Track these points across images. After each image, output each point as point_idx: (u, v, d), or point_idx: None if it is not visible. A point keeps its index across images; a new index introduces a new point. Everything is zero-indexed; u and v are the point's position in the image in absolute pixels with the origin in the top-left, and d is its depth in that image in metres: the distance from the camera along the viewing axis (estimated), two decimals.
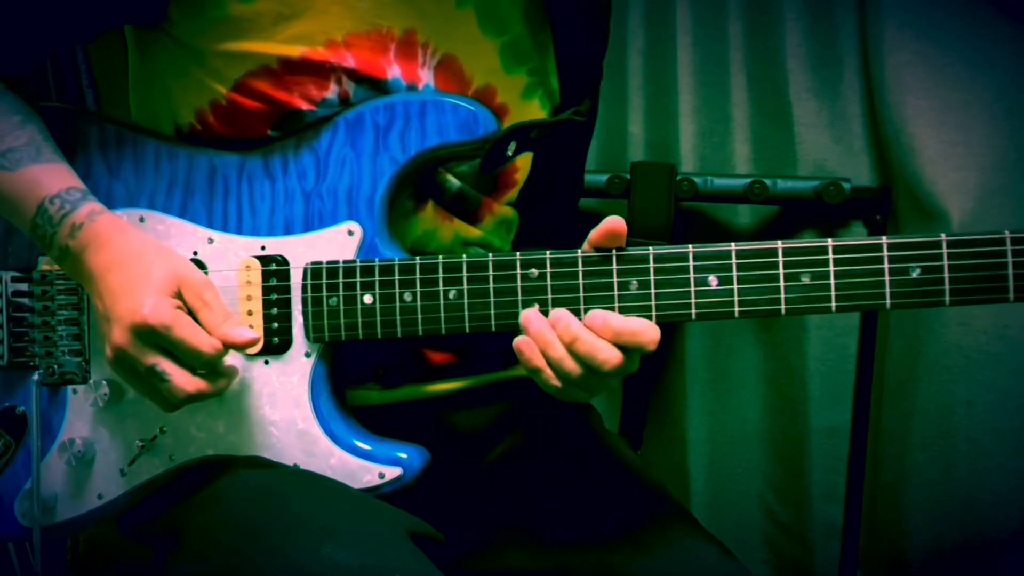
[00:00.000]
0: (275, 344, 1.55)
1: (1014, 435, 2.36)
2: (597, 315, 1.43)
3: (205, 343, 1.46)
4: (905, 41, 2.36)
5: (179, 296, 1.49)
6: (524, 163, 1.74)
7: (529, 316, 1.45)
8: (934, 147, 2.34)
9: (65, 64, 1.88)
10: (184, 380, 1.47)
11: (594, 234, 1.45)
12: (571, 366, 1.42)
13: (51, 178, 1.55)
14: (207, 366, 1.49)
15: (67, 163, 1.59)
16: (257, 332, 1.54)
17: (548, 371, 1.44)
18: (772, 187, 2.45)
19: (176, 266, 1.51)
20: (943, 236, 1.38)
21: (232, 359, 1.54)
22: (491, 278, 1.49)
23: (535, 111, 1.72)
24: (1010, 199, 2.30)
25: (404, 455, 1.54)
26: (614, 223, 1.44)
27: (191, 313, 1.49)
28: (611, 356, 1.41)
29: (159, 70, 1.64)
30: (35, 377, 1.60)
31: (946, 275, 1.38)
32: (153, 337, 1.45)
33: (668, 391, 2.66)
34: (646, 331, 1.42)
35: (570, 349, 1.42)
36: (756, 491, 2.64)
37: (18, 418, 1.64)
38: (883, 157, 2.46)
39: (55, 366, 1.61)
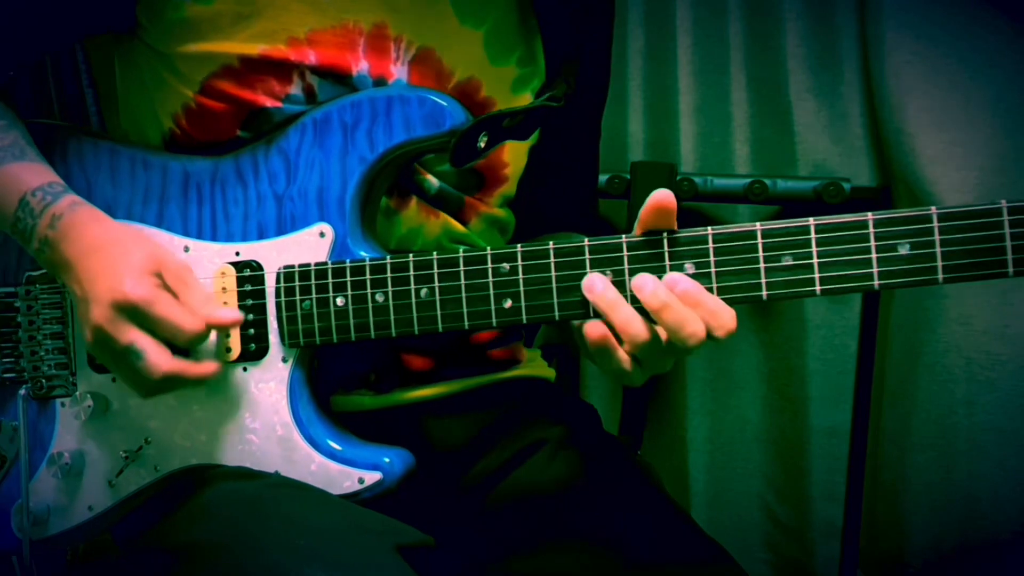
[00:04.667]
0: (252, 351, 1.53)
1: (1014, 435, 2.36)
2: (685, 281, 1.36)
3: (186, 320, 1.44)
4: (905, 41, 2.36)
5: (160, 276, 1.47)
6: (513, 157, 1.73)
7: (593, 277, 1.39)
8: (934, 147, 2.34)
9: (65, 64, 1.88)
10: (161, 358, 1.44)
11: (644, 212, 1.39)
12: (638, 329, 1.36)
13: (33, 174, 1.56)
14: (188, 345, 1.47)
15: (49, 165, 1.60)
16: (233, 338, 1.54)
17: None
18: (772, 187, 2.44)
19: (155, 249, 1.49)
20: (933, 209, 1.30)
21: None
22: (462, 274, 1.46)
23: (524, 103, 1.70)
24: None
25: (386, 459, 1.51)
26: (662, 197, 1.37)
27: (173, 293, 1.48)
28: (698, 329, 1.34)
29: (140, 78, 1.64)
30: (22, 391, 1.60)
31: (938, 250, 1.30)
32: (133, 313, 1.43)
33: (668, 391, 2.66)
34: (724, 313, 1.35)
35: (658, 316, 1.35)
36: (756, 491, 2.64)
37: (11, 433, 1.65)
38: (883, 157, 2.45)
39: (42, 379, 1.62)
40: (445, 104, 1.52)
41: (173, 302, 1.46)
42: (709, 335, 1.36)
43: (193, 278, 1.51)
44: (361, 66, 1.57)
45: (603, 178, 2.49)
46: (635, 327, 1.36)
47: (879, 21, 2.38)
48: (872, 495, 2.52)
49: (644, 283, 1.36)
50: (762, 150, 2.56)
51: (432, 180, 1.65)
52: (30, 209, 1.53)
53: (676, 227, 1.39)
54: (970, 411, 2.38)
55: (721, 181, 2.48)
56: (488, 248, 1.45)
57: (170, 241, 1.57)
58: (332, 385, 1.63)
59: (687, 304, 1.35)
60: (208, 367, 1.49)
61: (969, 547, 2.41)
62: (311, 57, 1.55)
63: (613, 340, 1.37)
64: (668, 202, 1.37)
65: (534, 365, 1.85)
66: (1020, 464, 2.36)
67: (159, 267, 1.47)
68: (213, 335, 1.51)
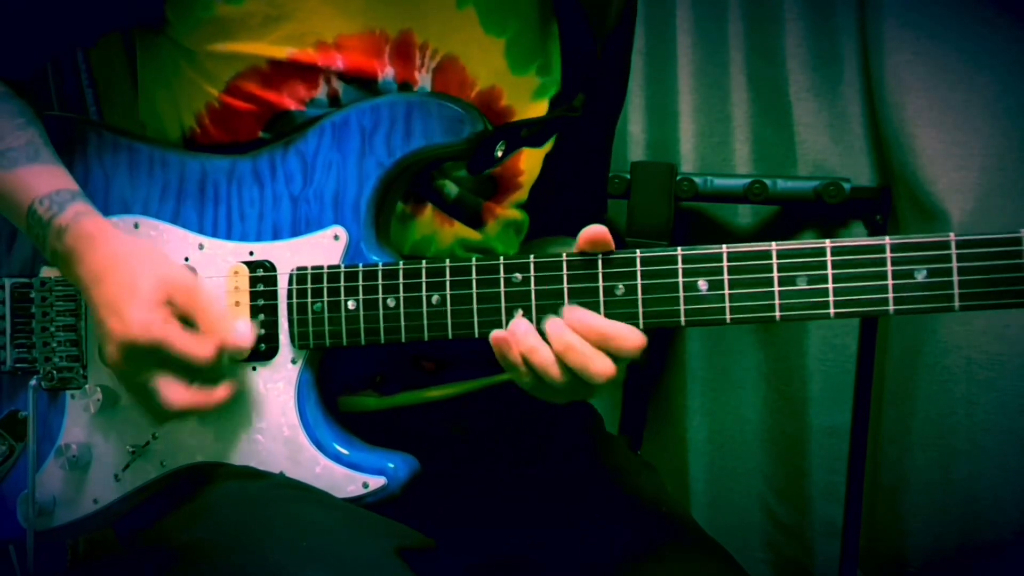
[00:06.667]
0: (262, 350, 1.54)
1: (1014, 435, 2.35)
2: (581, 315, 1.38)
3: (199, 352, 1.45)
4: (905, 41, 2.35)
5: (170, 303, 1.47)
6: (529, 165, 1.72)
7: (516, 322, 1.41)
8: (934, 147, 2.33)
9: (65, 63, 1.89)
10: (177, 396, 1.46)
11: (580, 241, 1.41)
12: (555, 373, 1.38)
13: (42, 180, 1.56)
14: (204, 375, 1.48)
15: (63, 167, 1.60)
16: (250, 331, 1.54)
17: (524, 369, 1.40)
18: (772, 187, 2.44)
19: (163, 271, 1.49)
20: (952, 236, 1.29)
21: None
22: (474, 283, 1.46)
23: (543, 112, 1.70)
24: (1010, 199, 2.29)
25: (391, 464, 1.52)
26: (595, 232, 1.40)
27: (185, 317, 1.48)
28: (604, 368, 1.36)
29: (162, 74, 1.65)
30: (33, 382, 1.61)
31: (955, 278, 1.29)
32: (144, 354, 1.45)
33: (668, 391, 2.66)
34: (629, 336, 1.37)
35: (560, 358, 1.37)
36: (756, 491, 2.64)
37: (21, 422, 1.65)
38: (883, 157, 2.45)
39: (54, 371, 1.62)
40: (464, 112, 1.52)
41: (184, 336, 1.46)
42: (618, 360, 1.37)
43: (204, 296, 1.50)
44: (387, 72, 1.57)
45: None
46: (552, 372, 1.39)
47: (879, 21, 2.37)
48: (872, 495, 2.52)
49: (551, 327, 1.39)
50: (762, 150, 2.56)
51: (451, 186, 1.65)
52: (38, 218, 1.53)
53: (613, 247, 1.41)
54: (970, 411, 2.37)
55: (721, 181, 2.48)
56: (501, 258, 1.45)
57: (185, 238, 1.58)
58: (338, 386, 1.62)
59: (585, 335, 1.37)
60: (221, 393, 1.50)
61: (969, 547, 2.40)
62: (339, 62, 1.55)
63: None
64: (600, 236, 1.40)
65: None
66: (1020, 464, 2.36)
67: (168, 292, 1.47)
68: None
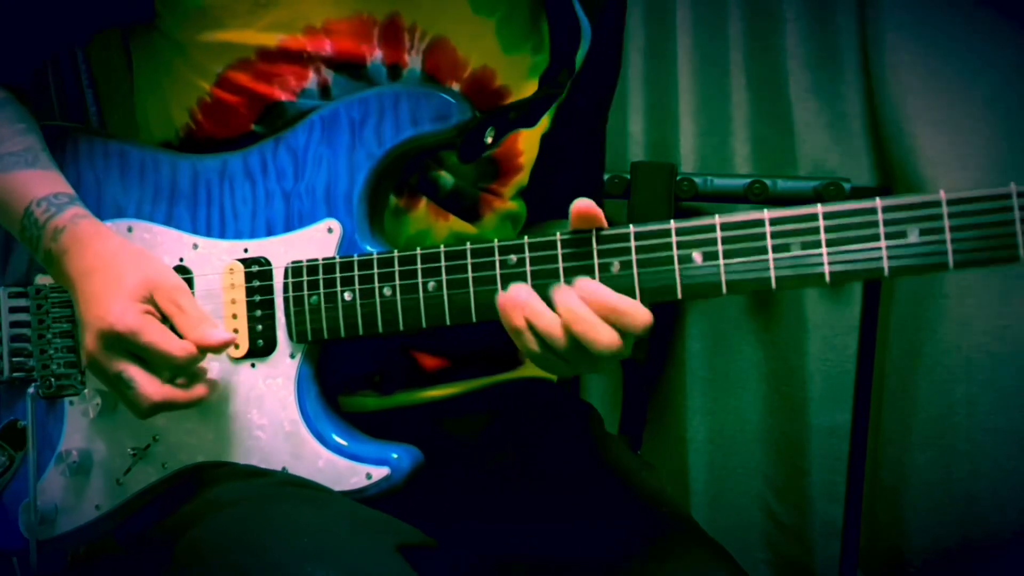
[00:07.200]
0: (260, 346, 1.54)
1: (1014, 435, 2.36)
2: (592, 287, 1.36)
3: (175, 347, 1.45)
4: (905, 41, 2.36)
5: (151, 301, 1.48)
6: (527, 146, 1.72)
7: (518, 286, 1.39)
8: (934, 147, 2.34)
9: (65, 64, 1.89)
10: (151, 388, 1.46)
11: (571, 216, 1.39)
12: (560, 337, 1.36)
13: (41, 182, 1.57)
14: (180, 371, 1.48)
15: (60, 173, 1.61)
16: (242, 334, 1.54)
17: (528, 335, 1.38)
18: (772, 187, 2.44)
19: (150, 271, 1.50)
20: (943, 194, 1.26)
21: (220, 364, 1.54)
22: (469, 267, 1.45)
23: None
24: None
25: (394, 455, 1.51)
26: (582, 207, 1.38)
27: (165, 319, 1.49)
28: (611, 340, 1.34)
29: (156, 71, 1.65)
30: (31, 390, 1.60)
31: (948, 236, 1.26)
32: (120, 343, 1.45)
33: (668, 391, 2.65)
34: (637, 312, 1.35)
35: (567, 327, 1.35)
36: (756, 491, 2.64)
37: (20, 432, 1.64)
38: (883, 157, 2.45)
39: (51, 379, 1.62)
40: (451, 99, 1.52)
41: (160, 330, 1.46)
42: (624, 336, 1.36)
43: (188, 299, 1.51)
44: (375, 55, 1.57)
45: (603, 178, 2.49)
46: (556, 339, 1.37)
47: (879, 21, 2.38)
48: (872, 495, 2.52)
49: (560, 295, 1.37)
50: (762, 150, 2.56)
51: (447, 176, 1.65)
52: (34, 219, 1.53)
53: (605, 224, 1.40)
54: (970, 411, 2.38)
55: (721, 181, 2.48)
56: (495, 240, 1.45)
57: (179, 239, 1.58)
58: (337, 386, 1.62)
59: (595, 306, 1.35)
60: (198, 391, 1.50)
61: (969, 547, 2.41)
62: (327, 47, 1.55)
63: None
64: (588, 210, 1.39)
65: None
66: (1020, 464, 2.36)
67: (151, 291, 1.48)
68: (210, 358, 1.52)
